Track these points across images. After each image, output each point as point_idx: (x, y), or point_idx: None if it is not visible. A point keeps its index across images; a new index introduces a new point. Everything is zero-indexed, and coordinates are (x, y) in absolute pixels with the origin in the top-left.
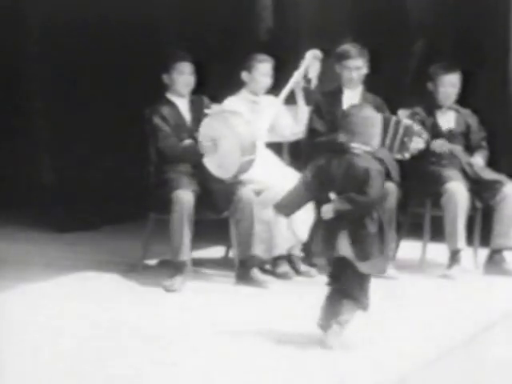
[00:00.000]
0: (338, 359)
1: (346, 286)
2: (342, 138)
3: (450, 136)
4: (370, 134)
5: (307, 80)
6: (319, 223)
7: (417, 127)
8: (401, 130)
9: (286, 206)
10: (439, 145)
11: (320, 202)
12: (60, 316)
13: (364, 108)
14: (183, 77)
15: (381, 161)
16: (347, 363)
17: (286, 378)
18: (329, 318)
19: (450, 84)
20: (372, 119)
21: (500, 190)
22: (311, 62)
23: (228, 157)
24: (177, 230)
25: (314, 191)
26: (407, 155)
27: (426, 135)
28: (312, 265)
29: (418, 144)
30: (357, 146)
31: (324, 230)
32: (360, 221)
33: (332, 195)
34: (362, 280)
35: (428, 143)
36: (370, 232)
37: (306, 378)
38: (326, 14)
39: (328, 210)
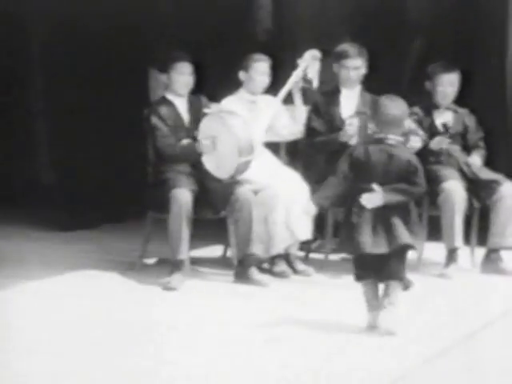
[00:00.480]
0: (334, 360)
1: (393, 268)
2: (374, 129)
3: (445, 131)
4: (403, 125)
5: (308, 80)
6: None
7: (413, 126)
8: None
9: (327, 198)
10: (437, 142)
11: (355, 192)
12: (59, 314)
13: (398, 100)
14: (182, 77)
15: None
16: (345, 361)
17: (284, 376)
18: (377, 301)
19: (448, 83)
20: (406, 111)
21: (497, 190)
22: (310, 63)
23: (226, 157)
24: (175, 228)
25: (351, 181)
26: None
27: (423, 134)
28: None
29: (415, 143)
30: (393, 137)
31: (368, 222)
32: (407, 207)
33: (375, 186)
34: (404, 261)
35: (426, 142)
36: (414, 215)
37: (305, 376)
38: (324, 14)
39: (373, 200)
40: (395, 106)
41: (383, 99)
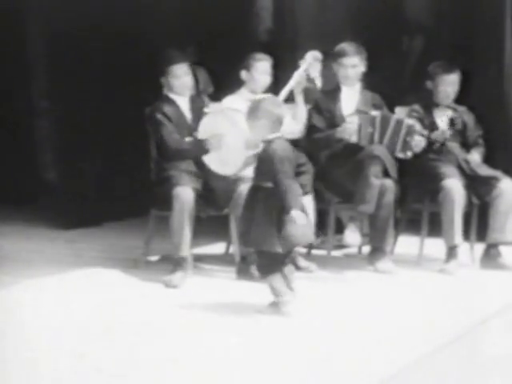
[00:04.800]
0: (335, 353)
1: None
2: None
3: (451, 126)
4: None
5: (311, 79)
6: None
7: (418, 126)
8: (403, 130)
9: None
10: (440, 133)
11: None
12: (62, 312)
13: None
14: (178, 79)
15: (378, 158)
16: (345, 355)
17: (289, 371)
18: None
19: (448, 84)
20: None
21: (496, 186)
22: (311, 63)
23: (232, 152)
24: (177, 226)
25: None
26: (410, 154)
27: (425, 132)
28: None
29: (420, 143)
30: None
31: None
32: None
33: None
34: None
35: (428, 139)
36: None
37: (305, 372)
38: (325, 14)
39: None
40: (279, 105)
41: (270, 102)
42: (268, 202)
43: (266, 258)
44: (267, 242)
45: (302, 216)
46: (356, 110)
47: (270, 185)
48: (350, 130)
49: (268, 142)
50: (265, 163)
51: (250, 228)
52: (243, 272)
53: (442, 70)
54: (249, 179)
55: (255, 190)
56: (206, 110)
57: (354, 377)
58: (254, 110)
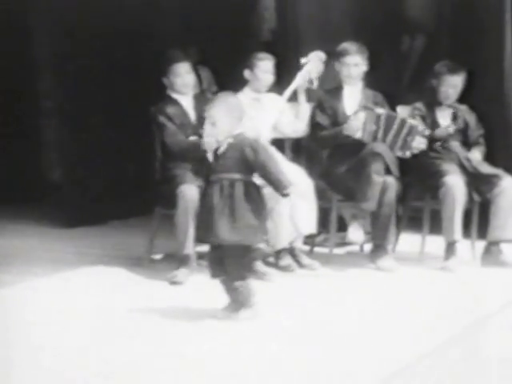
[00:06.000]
0: (337, 350)
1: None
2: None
3: (454, 121)
4: None
5: (309, 80)
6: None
7: (421, 127)
8: (405, 130)
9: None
10: (444, 129)
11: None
12: (67, 310)
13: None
14: (180, 78)
15: (379, 155)
16: (346, 352)
17: (289, 368)
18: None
19: (452, 85)
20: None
21: (497, 184)
22: (315, 64)
23: None
24: (181, 224)
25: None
26: (408, 154)
27: (427, 132)
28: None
29: (420, 144)
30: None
31: None
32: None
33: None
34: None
35: (429, 137)
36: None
37: (305, 369)
38: (327, 14)
39: None
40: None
41: (234, 97)
42: (250, 196)
43: (241, 255)
44: (258, 235)
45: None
46: (362, 106)
47: (249, 179)
48: (356, 125)
49: (239, 136)
50: (241, 156)
51: (209, 222)
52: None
53: (447, 69)
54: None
55: (219, 182)
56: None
57: (354, 375)
58: (225, 105)
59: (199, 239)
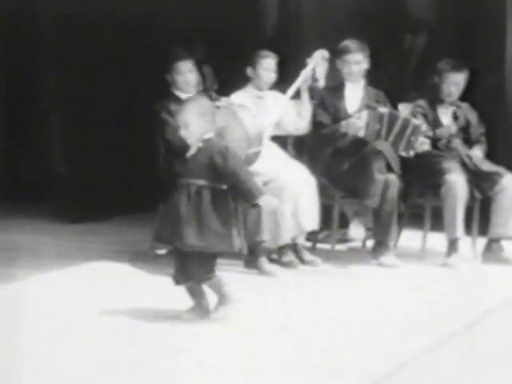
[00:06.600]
0: (339, 346)
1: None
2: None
3: (455, 119)
4: None
5: (314, 78)
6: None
7: (425, 127)
8: (409, 129)
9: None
10: (446, 129)
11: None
12: (72, 305)
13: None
14: (183, 76)
15: (381, 153)
16: (347, 348)
17: (288, 365)
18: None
19: (454, 82)
20: None
21: (498, 182)
22: (318, 62)
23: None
24: None
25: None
26: (412, 153)
27: (431, 133)
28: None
29: (423, 145)
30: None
31: None
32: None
33: None
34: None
35: (433, 135)
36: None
37: (304, 364)
38: (329, 11)
39: None
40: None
41: (205, 100)
42: (218, 204)
43: (205, 261)
44: (225, 242)
45: (273, 199)
46: (365, 105)
47: (218, 185)
48: (357, 124)
49: (209, 141)
50: (210, 162)
51: (176, 228)
52: (250, 265)
53: (450, 67)
54: (255, 174)
55: (186, 188)
56: (216, 103)
57: (355, 370)
58: (198, 108)
59: (163, 240)
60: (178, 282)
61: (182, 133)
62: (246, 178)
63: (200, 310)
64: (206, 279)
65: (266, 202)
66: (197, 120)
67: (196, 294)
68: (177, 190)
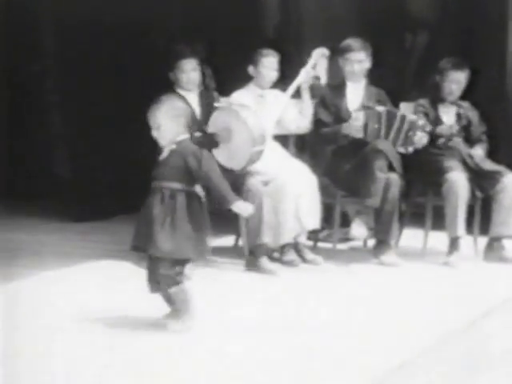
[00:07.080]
0: (340, 344)
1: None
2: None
3: (458, 120)
4: None
5: (316, 77)
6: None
7: (421, 122)
8: (406, 125)
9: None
10: (447, 128)
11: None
12: (74, 304)
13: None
14: (186, 74)
15: (382, 152)
16: (348, 347)
17: (296, 362)
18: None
19: (455, 81)
20: None
21: (500, 181)
22: (318, 60)
23: (239, 148)
24: None
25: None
26: (411, 149)
27: (429, 128)
28: None
29: (422, 139)
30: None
31: None
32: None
33: None
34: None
35: (432, 134)
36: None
37: (305, 364)
38: (331, 10)
39: None
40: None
41: (181, 101)
42: (192, 208)
43: (175, 265)
44: (197, 248)
45: (247, 206)
46: (362, 106)
47: (190, 189)
48: (356, 126)
49: (182, 143)
50: (184, 165)
51: (149, 233)
52: (252, 264)
53: (451, 66)
54: (257, 173)
55: (160, 191)
56: (216, 104)
57: (356, 369)
58: (170, 110)
59: (138, 249)
60: (152, 290)
61: (154, 134)
62: (220, 181)
63: (178, 316)
64: (174, 284)
65: (239, 208)
66: (169, 122)
67: (172, 301)
68: (150, 193)
